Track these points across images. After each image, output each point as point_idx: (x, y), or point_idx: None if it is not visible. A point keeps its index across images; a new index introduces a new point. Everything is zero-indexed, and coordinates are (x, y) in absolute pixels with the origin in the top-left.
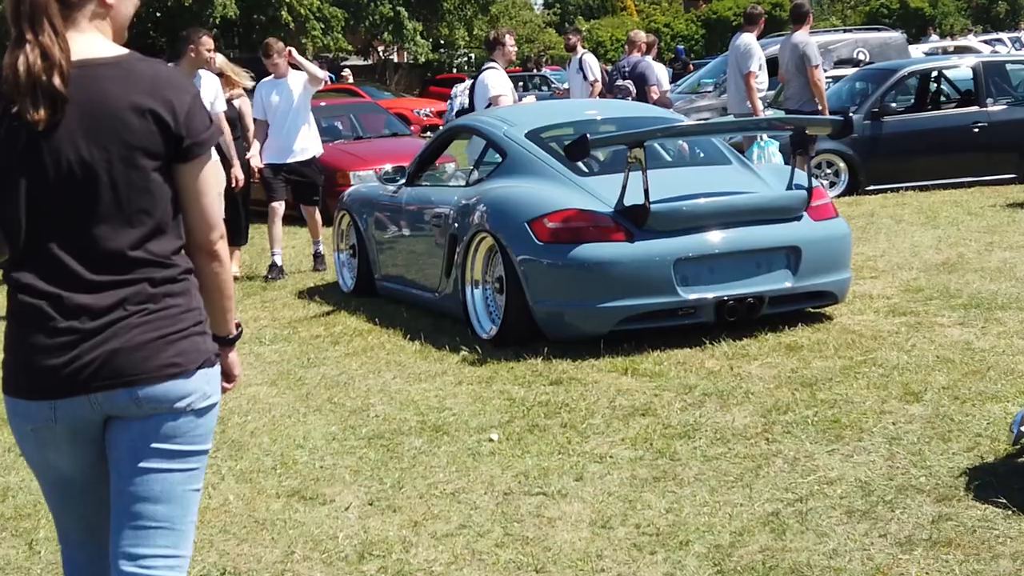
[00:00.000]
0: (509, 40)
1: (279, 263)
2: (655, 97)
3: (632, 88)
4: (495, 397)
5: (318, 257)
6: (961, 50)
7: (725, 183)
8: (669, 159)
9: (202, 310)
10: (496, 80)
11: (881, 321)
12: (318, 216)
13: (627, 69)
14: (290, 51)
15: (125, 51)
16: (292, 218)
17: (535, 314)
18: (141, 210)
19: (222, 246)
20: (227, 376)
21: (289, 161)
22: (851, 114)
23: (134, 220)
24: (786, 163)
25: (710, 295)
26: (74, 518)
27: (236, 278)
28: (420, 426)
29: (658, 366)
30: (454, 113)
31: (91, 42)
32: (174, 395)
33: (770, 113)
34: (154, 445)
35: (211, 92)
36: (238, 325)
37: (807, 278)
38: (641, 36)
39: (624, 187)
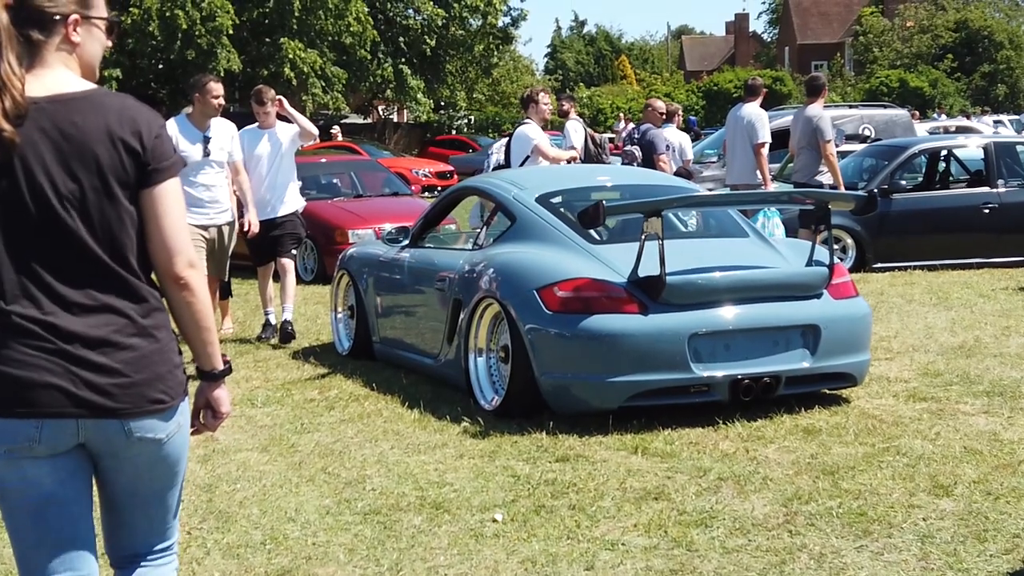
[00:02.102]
0: (543, 98)
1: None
2: (663, 167)
3: (638, 154)
4: (498, 473)
5: (286, 329)
6: (963, 130)
7: (743, 257)
8: (684, 229)
9: (176, 341)
10: (535, 131)
11: (901, 406)
12: (292, 276)
13: (636, 136)
14: (280, 100)
15: (93, 86)
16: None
17: (541, 386)
18: (116, 237)
19: (191, 274)
20: (215, 413)
21: (271, 217)
22: (875, 191)
23: (114, 248)
24: (788, 236)
25: (725, 373)
26: (47, 548)
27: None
28: (419, 502)
29: (669, 446)
30: (491, 170)
31: (58, 77)
32: (160, 428)
33: (776, 186)
34: (151, 480)
35: (226, 140)
36: (226, 360)
37: (826, 359)
38: (659, 105)
39: (639, 257)
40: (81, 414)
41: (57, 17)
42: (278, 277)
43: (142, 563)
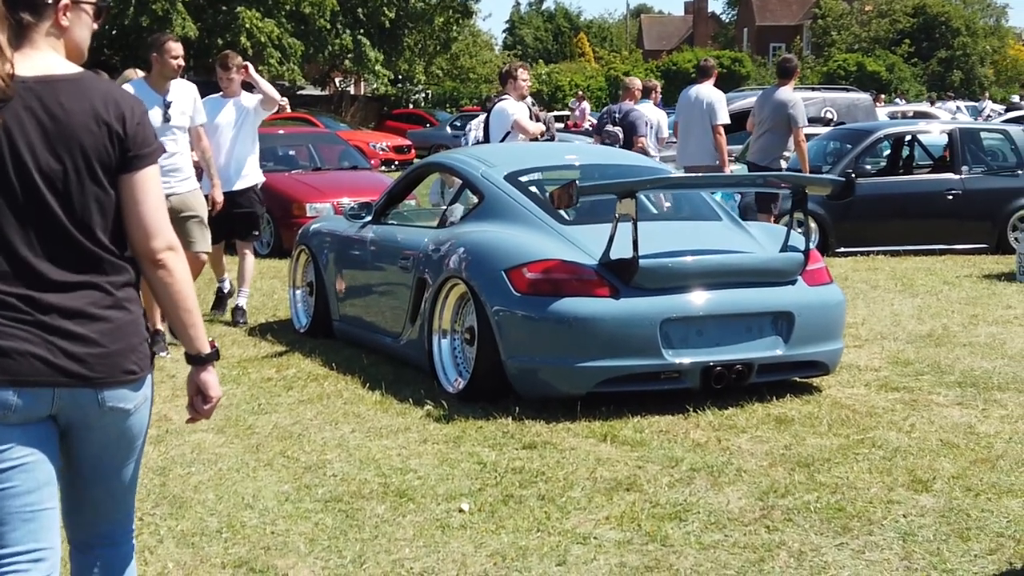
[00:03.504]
0: (522, 74)
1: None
2: (644, 147)
3: (620, 135)
4: (464, 460)
5: (239, 310)
6: (921, 115)
7: (717, 241)
8: (655, 212)
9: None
10: (513, 106)
11: (874, 396)
12: (251, 258)
13: (618, 115)
14: (247, 67)
15: (80, 69)
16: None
17: (508, 369)
18: (95, 217)
19: (169, 256)
20: (205, 398)
21: (228, 190)
22: (852, 175)
23: (90, 226)
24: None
25: (697, 359)
26: (10, 516)
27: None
28: (382, 489)
29: (639, 434)
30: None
31: (47, 59)
32: (131, 399)
33: (737, 167)
34: (115, 452)
35: (188, 104)
36: (213, 344)
37: (799, 346)
38: (636, 83)
39: (611, 239)
40: (58, 382)
41: (49, 1)
42: (231, 250)
43: (103, 547)
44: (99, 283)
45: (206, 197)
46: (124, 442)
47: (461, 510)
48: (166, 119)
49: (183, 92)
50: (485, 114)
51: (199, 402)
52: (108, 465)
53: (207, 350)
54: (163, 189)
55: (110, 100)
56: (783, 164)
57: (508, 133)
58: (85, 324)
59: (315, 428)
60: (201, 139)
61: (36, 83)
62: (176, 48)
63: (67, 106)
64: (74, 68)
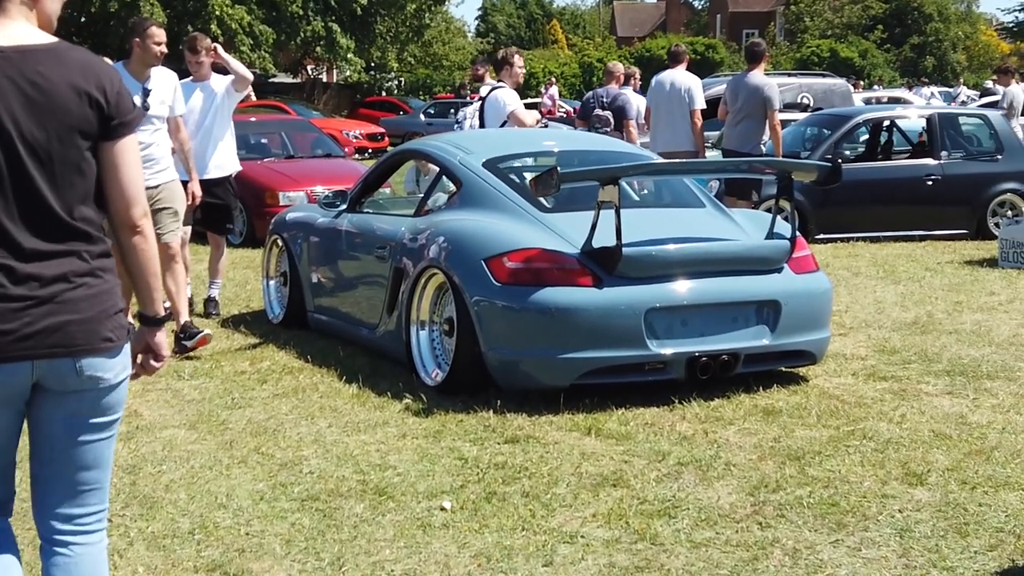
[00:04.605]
0: (518, 60)
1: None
2: (634, 132)
3: (611, 119)
4: (444, 455)
5: (211, 302)
6: (895, 101)
7: (701, 228)
8: (638, 199)
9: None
10: (510, 96)
11: (861, 386)
12: (224, 249)
13: (606, 100)
14: (216, 48)
15: (55, 39)
16: (200, 235)
17: (488, 361)
18: (74, 185)
19: (145, 222)
20: (156, 356)
21: (202, 178)
22: (839, 161)
23: (69, 194)
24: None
25: (682, 350)
26: None
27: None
28: (361, 487)
29: (624, 427)
30: None
31: (22, 29)
32: (108, 367)
33: (713, 154)
34: (90, 419)
35: (168, 93)
36: (166, 308)
37: (786, 335)
38: (619, 68)
39: (594, 227)
40: (37, 355)
41: None
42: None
43: (75, 535)
44: (78, 251)
45: (184, 186)
46: (98, 413)
47: (443, 508)
48: (145, 108)
49: (163, 80)
50: (479, 102)
51: (148, 359)
52: (81, 437)
53: (163, 313)
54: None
55: (89, 69)
56: (763, 150)
57: (504, 124)
58: (63, 292)
59: (290, 423)
60: (180, 130)
61: (13, 52)
62: (159, 34)
63: (47, 75)
64: (49, 37)
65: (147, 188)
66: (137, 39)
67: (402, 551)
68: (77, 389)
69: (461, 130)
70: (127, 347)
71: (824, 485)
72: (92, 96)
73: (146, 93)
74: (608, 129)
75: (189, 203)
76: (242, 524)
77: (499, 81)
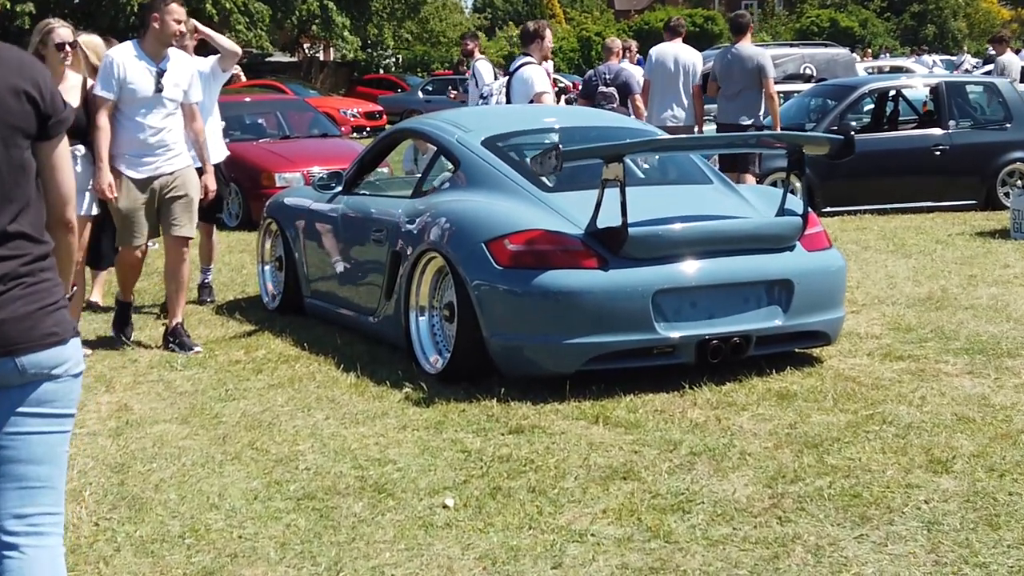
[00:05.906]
0: (549, 35)
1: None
2: (640, 107)
3: (616, 96)
4: (446, 448)
5: (205, 288)
6: (896, 70)
7: (709, 206)
8: (642, 176)
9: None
10: (539, 76)
11: (878, 366)
12: (216, 237)
13: (608, 76)
14: (196, 26)
15: None
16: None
17: (490, 347)
18: (16, 187)
19: (74, 219)
20: None
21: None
22: (852, 133)
23: (11, 197)
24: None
25: (692, 333)
26: None
27: (98, 306)
28: (360, 484)
29: (633, 414)
30: None
31: None
32: (54, 362)
33: (711, 128)
34: (36, 410)
35: (184, 77)
36: (73, 286)
37: (799, 316)
38: (617, 43)
39: (598, 206)
40: None
41: None
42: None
43: (27, 535)
44: (20, 252)
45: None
46: (44, 403)
47: (445, 506)
48: (158, 88)
49: (181, 64)
50: (506, 77)
51: None
52: (28, 428)
53: (70, 293)
54: (148, 169)
55: (25, 67)
56: (764, 122)
57: (531, 102)
58: (3, 292)
59: (286, 415)
60: (196, 119)
61: None
62: (180, 12)
63: None
64: None
65: (162, 175)
66: (156, 14)
67: (403, 554)
68: (21, 387)
69: (487, 105)
70: (76, 341)
71: (845, 475)
72: (30, 94)
73: (160, 73)
74: (614, 105)
75: (201, 196)
76: (235, 526)
77: (528, 54)
